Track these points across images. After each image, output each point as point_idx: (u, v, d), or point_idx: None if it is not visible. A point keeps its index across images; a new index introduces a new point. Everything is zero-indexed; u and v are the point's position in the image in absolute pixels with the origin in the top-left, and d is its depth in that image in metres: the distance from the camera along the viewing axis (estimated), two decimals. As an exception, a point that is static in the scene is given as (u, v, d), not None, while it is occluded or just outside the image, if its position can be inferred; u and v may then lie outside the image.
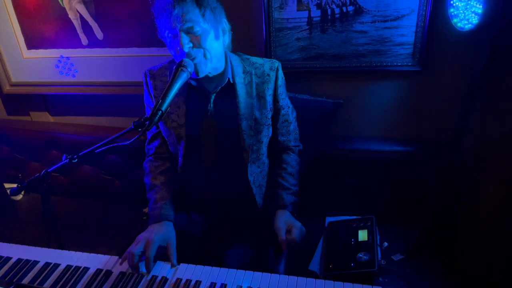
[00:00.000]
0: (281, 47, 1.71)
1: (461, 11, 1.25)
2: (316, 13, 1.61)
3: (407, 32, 1.55)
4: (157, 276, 1.13)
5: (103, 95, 2.06)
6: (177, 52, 1.22)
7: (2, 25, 2.02)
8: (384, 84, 1.69)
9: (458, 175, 1.53)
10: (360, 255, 1.39)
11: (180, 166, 1.40)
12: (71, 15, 1.90)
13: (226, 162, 1.38)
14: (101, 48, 1.96)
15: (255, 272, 1.11)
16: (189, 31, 1.17)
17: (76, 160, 1.10)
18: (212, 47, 1.22)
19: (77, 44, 1.97)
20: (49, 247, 1.27)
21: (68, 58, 2.02)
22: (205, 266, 1.15)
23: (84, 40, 1.96)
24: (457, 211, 1.56)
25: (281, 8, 1.63)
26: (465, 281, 1.41)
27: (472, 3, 1.19)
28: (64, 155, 1.11)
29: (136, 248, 1.17)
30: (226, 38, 1.31)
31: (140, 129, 1.01)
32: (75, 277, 1.14)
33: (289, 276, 1.08)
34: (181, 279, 1.11)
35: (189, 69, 1.15)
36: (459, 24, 1.28)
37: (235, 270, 1.12)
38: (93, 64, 2.01)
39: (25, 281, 1.15)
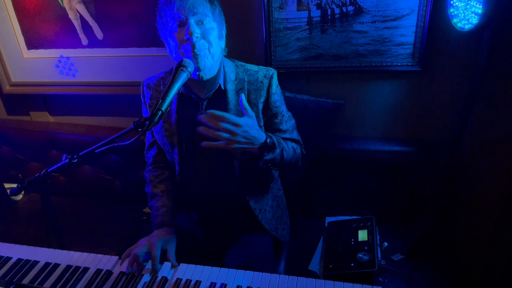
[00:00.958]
0: (281, 47, 1.71)
1: (461, 11, 1.25)
2: (316, 13, 1.61)
3: (407, 32, 1.55)
4: (157, 276, 1.14)
5: (103, 95, 2.07)
6: (183, 42, 1.19)
7: (2, 25, 2.02)
8: (384, 84, 1.69)
9: (458, 175, 1.53)
10: (360, 255, 1.39)
11: (177, 174, 1.40)
12: (71, 15, 1.90)
13: (220, 169, 1.37)
14: (101, 48, 1.96)
15: (255, 272, 1.11)
16: (199, 23, 1.19)
17: (76, 160, 1.10)
18: (215, 44, 1.23)
19: (77, 44, 1.97)
20: (49, 247, 1.27)
21: (68, 58, 2.02)
22: (205, 266, 1.15)
23: (84, 40, 1.96)
24: (457, 211, 1.56)
25: (281, 8, 1.63)
26: (465, 281, 1.41)
27: (472, 3, 1.19)
28: (64, 155, 1.11)
29: (139, 249, 1.18)
30: (223, 43, 1.32)
31: (140, 129, 1.01)
32: (75, 277, 1.14)
33: (289, 276, 1.08)
34: (181, 279, 1.11)
35: (189, 69, 1.14)
36: (459, 24, 1.28)
37: (235, 270, 1.12)
38: (93, 64, 2.01)
39: (25, 281, 1.15)
